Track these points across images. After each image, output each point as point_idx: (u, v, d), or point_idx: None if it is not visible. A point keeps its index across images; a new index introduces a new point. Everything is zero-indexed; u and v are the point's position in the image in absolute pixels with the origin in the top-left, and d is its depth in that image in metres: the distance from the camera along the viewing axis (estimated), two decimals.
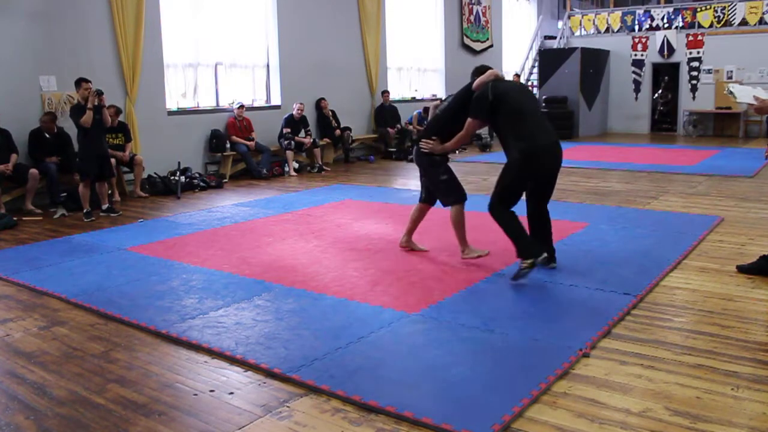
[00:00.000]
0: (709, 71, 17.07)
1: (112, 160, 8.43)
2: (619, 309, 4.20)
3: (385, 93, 13.86)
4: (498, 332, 3.88)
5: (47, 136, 8.36)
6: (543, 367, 3.37)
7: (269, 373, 3.41)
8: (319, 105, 12.50)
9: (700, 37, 17.12)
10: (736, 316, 4.09)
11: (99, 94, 7.53)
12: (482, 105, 4.89)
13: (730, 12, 16.82)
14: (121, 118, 9.20)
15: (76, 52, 8.94)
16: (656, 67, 18.15)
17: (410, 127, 14.33)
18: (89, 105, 7.45)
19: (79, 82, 7.64)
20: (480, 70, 5.12)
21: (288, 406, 3.07)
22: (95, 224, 7.40)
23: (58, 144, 8.44)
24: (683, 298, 4.47)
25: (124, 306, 4.51)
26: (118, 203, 8.57)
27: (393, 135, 13.80)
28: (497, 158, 12.66)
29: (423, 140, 5.29)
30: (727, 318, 4.06)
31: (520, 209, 4.94)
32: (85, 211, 7.69)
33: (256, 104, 11.78)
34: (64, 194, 8.24)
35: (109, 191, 8.46)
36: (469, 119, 5.01)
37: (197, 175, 9.99)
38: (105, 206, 8.00)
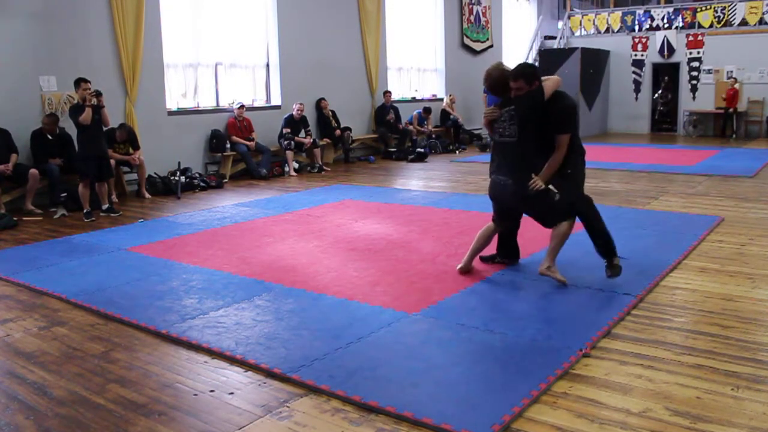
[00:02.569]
0: (709, 71, 17.08)
1: (111, 161, 8.44)
2: (619, 309, 4.20)
3: (387, 93, 13.86)
4: (498, 332, 3.88)
5: (49, 137, 8.36)
6: (543, 367, 3.37)
7: (269, 373, 3.41)
8: (319, 105, 12.49)
9: (700, 37, 17.13)
10: (736, 316, 4.09)
11: (98, 94, 7.54)
12: (575, 118, 4.75)
13: (730, 12, 16.83)
14: (121, 119, 9.21)
15: (76, 52, 8.94)
16: (656, 67, 18.17)
17: (410, 126, 14.34)
18: (87, 103, 7.44)
19: (78, 82, 7.64)
20: (533, 74, 4.57)
21: (288, 406, 3.07)
22: (95, 224, 7.40)
23: (60, 145, 8.44)
24: (683, 298, 4.47)
25: (124, 306, 4.51)
26: (117, 203, 8.56)
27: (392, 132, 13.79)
28: None
29: (531, 183, 4.55)
30: (727, 318, 4.06)
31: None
32: (85, 211, 7.68)
33: (256, 104, 11.78)
34: (64, 194, 8.24)
35: (112, 193, 8.47)
36: (563, 136, 4.54)
37: (197, 175, 9.99)
38: (105, 206, 8.00)
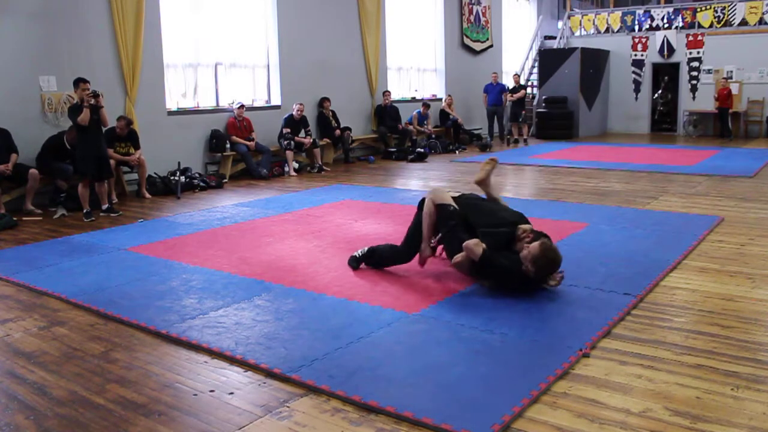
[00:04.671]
0: (709, 71, 17.09)
1: (111, 161, 8.43)
2: (619, 309, 4.20)
3: (386, 93, 13.87)
4: (498, 332, 3.88)
5: (69, 147, 8.35)
6: (543, 367, 3.37)
7: (269, 373, 3.41)
8: (322, 104, 12.49)
9: (700, 37, 17.13)
10: (736, 316, 4.09)
11: (96, 95, 7.51)
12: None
13: (730, 12, 16.83)
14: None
15: (76, 52, 8.94)
16: (656, 67, 18.17)
17: (410, 126, 14.34)
18: (85, 103, 7.43)
19: (77, 83, 7.63)
20: None
21: (288, 406, 3.07)
22: (95, 224, 7.40)
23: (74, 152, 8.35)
24: (683, 298, 4.47)
25: (124, 306, 4.51)
26: (117, 203, 8.55)
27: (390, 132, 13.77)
28: (498, 159, 12.66)
29: None
30: (727, 318, 4.06)
31: None
32: (85, 211, 7.68)
33: (256, 104, 11.78)
34: (64, 194, 8.24)
35: (111, 193, 8.45)
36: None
37: (197, 175, 9.99)
38: (105, 206, 7.99)
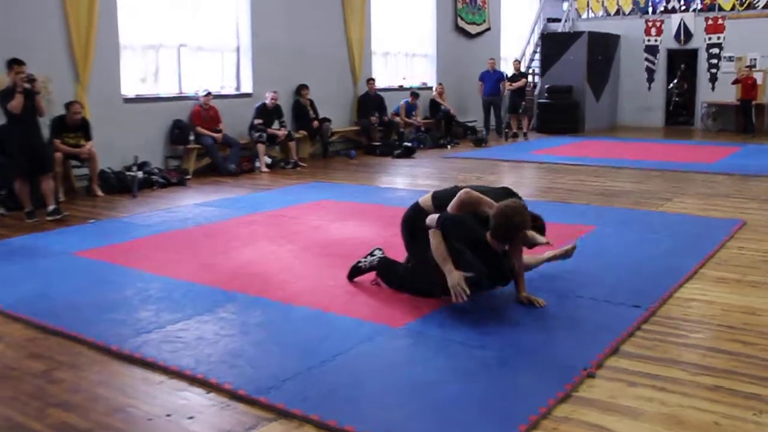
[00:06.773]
0: (730, 59, 17.24)
1: (58, 154, 8.34)
2: (628, 323, 4.20)
3: (371, 81, 13.87)
4: (492, 349, 3.87)
5: None
6: (542, 388, 3.37)
7: (234, 395, 3.38)
8: (299, 92, 12.45)
9: (720, 21, 17.30)
10: (758, 332, 4.10)
11: (31, 80, 7.40)
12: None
13: None
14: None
15: (19, 29, 8.83)
16: (672, 53, 18.33)
17: (397, 118, 14.35)
18: (18, 89, 7.33)
19: (11, 64, 7.51)
20: None
21: None
22: (39, 225, 7.32)
23: None
24: (700, 311, 4.49)
25: (69, 318, 4.45)
26: (64, 202, 8.45)
27: (375, 123, 13.71)
28: (495, 155, 12.72)
29: None
30: (748, 334, 4.08)
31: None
32: (26, 210, 7.58)
33: (224, 92, 11.75)
34: (2, 191, 8.13)
35: (58, 191, 8.37)
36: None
37: (156, 170, 9.94)
38: (51, 208, 7.75)
